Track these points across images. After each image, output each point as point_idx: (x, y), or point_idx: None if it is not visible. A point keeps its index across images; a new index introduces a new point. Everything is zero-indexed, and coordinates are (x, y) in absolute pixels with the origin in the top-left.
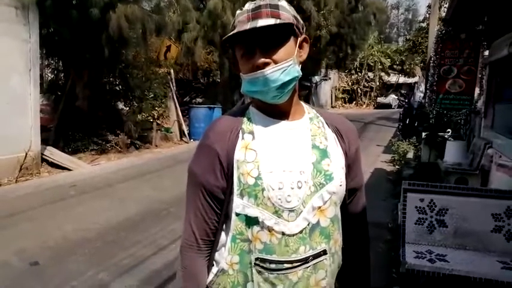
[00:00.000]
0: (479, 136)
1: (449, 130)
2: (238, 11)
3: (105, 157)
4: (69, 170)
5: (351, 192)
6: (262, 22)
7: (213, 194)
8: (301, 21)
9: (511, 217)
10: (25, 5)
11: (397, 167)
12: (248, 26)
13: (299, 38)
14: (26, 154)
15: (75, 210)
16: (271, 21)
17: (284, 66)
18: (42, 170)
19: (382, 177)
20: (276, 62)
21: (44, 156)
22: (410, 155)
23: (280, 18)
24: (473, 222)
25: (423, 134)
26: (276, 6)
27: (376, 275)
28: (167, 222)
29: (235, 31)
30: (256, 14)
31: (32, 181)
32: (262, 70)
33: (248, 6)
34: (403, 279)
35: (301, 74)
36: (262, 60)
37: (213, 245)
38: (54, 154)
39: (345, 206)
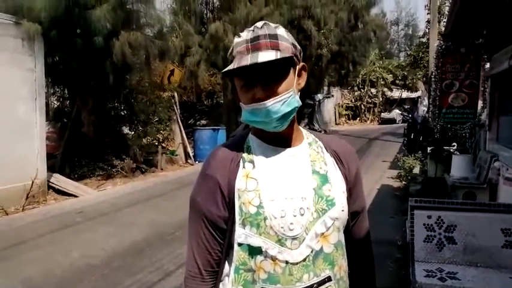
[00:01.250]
0: (484, 149)
1: (454, 144)
2: (236, 39)
3: (111, 182)
4: (76, 196)
5: (353, 215)
6: (262, 56)
7: (215, 224)
8: (299, 47)
9: None
10: (31, 36)
11: (403, 182)
12: (249, 59)
13: (297, 66)
14: (33, 182)
15: (82, 237)
16: (271, 54)
17: (285, 98)
18: (49, 197)
19: (389, 194)
20: (276, 94)
21: (50, 184)
22: (416, 170)
23: (279, 50)
24: (482, 238)
25: (428, 148)
26: (275, 36)
27: None
28: (174, 247)
29: (235, 65)
30: (255, 45)
31: (39, 209)
32: (263, 102)
33: (246, 35)
34: None
35: (300, 103)
36: (264, 94)
37: (217, 275)
38: (60, 181)
39: (348, 230)
